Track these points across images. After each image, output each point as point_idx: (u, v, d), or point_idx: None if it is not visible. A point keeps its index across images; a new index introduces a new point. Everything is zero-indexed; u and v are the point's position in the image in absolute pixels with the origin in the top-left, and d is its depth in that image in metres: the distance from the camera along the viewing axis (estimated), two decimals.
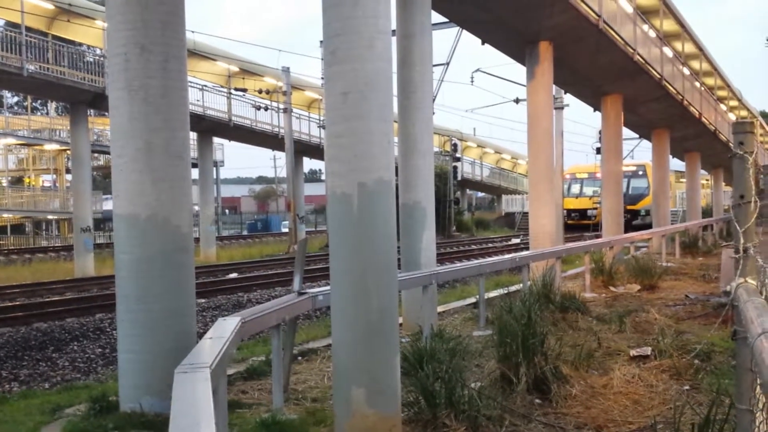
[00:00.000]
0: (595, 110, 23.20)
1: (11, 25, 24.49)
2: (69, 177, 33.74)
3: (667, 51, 22.11)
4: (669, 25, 22.74)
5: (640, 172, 40.11)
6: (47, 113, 42.94)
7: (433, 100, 14.19)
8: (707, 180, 49.37)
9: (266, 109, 33.69)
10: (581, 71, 18.52)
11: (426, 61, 9.88)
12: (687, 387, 6.17)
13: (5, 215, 36.18)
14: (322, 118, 34.33)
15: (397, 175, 7.75)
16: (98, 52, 28.23)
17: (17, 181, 41.54)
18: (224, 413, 3.85)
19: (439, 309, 10.28)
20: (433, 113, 10.57)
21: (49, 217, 39.15)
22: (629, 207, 32.56)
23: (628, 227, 26.16)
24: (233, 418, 5.21)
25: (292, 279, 6.47)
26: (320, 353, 7.88)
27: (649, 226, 29.22)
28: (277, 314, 5.70)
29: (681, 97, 23.33)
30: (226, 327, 4.49)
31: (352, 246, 4.78)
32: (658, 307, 10.32)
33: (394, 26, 6.52)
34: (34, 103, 45.99)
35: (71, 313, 14.05)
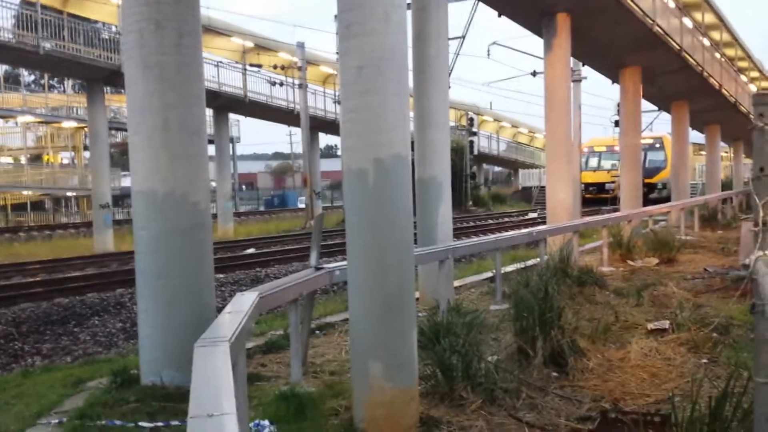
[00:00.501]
0: (613, 82, 22.91)
1: (26, 3, 24.48)
2: (87, 154, 33.94)
3: (687, 22, 21.73)
4: None
5: (657, 145, 39.62)
6: (64, 91, 43.04)
7: (449, 73, 14.07)
8: (727, 152, 48.76)
9: (281, 84, 33.61)
10: (599, 43, 18.25)
11: (441, 35, 9.79)
12: (705, 360, 6.15)
13: (25, 192, 36.54)
14: (337, 94, 34.23)
15: (413, 149, 7.72)
16: (114, 29, 28.24)
17: (36, 159, 41.82)
18: (244, 386, 3.89)
19: (456, 283, 10.29)
20: (449, 87, 10.49)
21: (68, 194, 39.51)
22: (646, 180, 32.22)
23: (645, 200, 25.91)
24: (253, 391, 5.28)
25: (309, 254, 6.50)
26: (338, 327, 7.95)
27: (666, 200, 28.96)
28: (294, 289, 5.74)
29: (701, 69, 22.96)
30: (244, 301, 4.53)
31: (368, 221, 4.77)
32: (677, 280, 10.27)
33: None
34: (51, 81, 46.12)
35: (92, 288, 14.21)
